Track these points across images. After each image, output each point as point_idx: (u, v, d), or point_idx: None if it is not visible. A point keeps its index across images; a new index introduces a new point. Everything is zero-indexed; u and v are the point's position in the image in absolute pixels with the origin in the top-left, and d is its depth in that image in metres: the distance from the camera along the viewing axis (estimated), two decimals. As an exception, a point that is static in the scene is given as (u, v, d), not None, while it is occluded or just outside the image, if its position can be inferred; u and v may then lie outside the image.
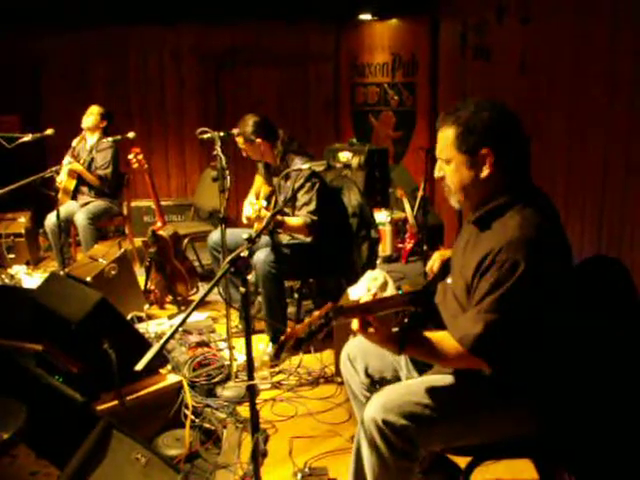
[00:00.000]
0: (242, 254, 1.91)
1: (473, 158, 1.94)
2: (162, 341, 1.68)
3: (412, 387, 2.04)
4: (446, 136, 1.97)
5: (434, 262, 2.39)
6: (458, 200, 2.04)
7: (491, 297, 1.83)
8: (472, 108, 1.94)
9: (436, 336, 1.94)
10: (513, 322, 1.83)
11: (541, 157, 4.40)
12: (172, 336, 1.73)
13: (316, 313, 1.82)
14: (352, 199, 4.11)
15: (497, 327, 1.82)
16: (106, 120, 5.49)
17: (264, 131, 3.96)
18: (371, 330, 1.84)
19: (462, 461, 2.15)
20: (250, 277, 4.44)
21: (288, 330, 1.83)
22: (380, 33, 6.99)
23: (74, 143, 5.53)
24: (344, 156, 6.21)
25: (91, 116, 5.42)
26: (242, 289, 1.93)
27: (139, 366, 1.62)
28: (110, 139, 4.79)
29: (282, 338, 1.81)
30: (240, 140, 3.97)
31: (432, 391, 1.98)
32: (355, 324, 1.85)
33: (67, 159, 5.39)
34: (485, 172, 1.93)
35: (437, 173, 2.05)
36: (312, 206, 3.84)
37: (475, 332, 1.83)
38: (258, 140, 3.94)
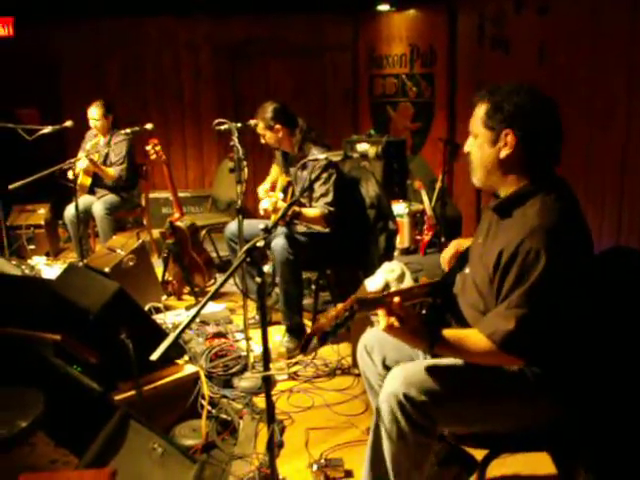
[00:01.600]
0: (258, 244, 1.90)
1: (496, 137, 1.93)
2: (177, 331, 1.67)
3: (435, 366, 2.03)
4: (478, 111, 1.99)
5: (449, 250, 2.37)
6: (479, 177, 2.03)
7: (519, 291, 1.82)
8: (509, 88, 1.94)
9: (463, 332, 1.94)
10: (543, 314, 1.82)
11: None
12: (187, 326, 1.72)
13: (340, 306, 1.83)
14: (370, 190, 4.09)
15: (528, 321, 1.81)
16: (109, 111, 5.48)
17: (283, 117, 3.96)
18: (397, 323, 1.83)
19: (478, 454, 2.13)
20: (267, 268, 4.45)
21: (319, 321, 1.83)
22: (398, 24, 6.95)
23: (88, 143, 5.51)
24: (362, 148, 6.20)
25: (94, 109, 5.40)
26: (258, 279, 1.92)
27: (154, 356, 1.62)
28: (129, 130, 4.81)
29: (308, 332, 1.81)
30: (260, 125, 3.97)
31: (455, 372, 1.99)
32: (382, 320, 1.84)
33: (81, 154, 5.40)
34: (504, 152, 1.93)
35: (466, 147, 2.06)
36: (329, 197, 3.83)
37: (507, 329, 1.82)
38: (277, 126, 3.94)
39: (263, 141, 4.07)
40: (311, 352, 3.71)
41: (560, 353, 1.89)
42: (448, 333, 1.90)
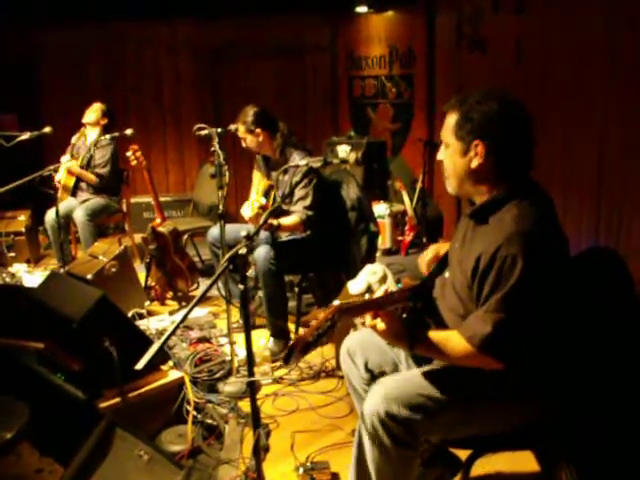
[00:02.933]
0: (240, 252, 1.92)
1: (467, 147, 1.95)
2: (161, 340, 1.68)
3: (412, 378, 2.06)
4: (449, 121, 1.99)
5: (427, 254, 2.39)
6: (453, 186, 2.05)
7: (496, 296, 1.85)
8: (478, 97, 1.94)
9: (444, 334, 1.97)
10: (520, 318, 1.85)
11: (538, 146, 4.40)
12: (171, 335, 1.73)
13: (322, 315, 1.84)
14: (351, 193, 4.11)
15: (505, 325, 1.84)
16: (107, 117, 5.49)
17: (264, 121, 3.97)
18: (381, 326, 1.87)
19: (463, 453, 2.16)
20: (250, 272, 4.45)
21: (299, 333, 1.86)
22: (376, 25, 6.99)
23: (73, 140, 5.53)
24: (343, 150, 6.22)
25: (93, 113, 5.42)
26: (241, 286, 1.94)
27: (139, 365, 1.63)
28: (108, 136, 4.80)
29: (290, 344, 1.82)
30: (241, 129, 3.97)
31: (433, 382, 2.01)
32: (369, 320, 1.89)
33: (65, 157, 5.39)
34: (475, 162, 1.94)
35: (439, 155, 2.07)
36: (308, 201, 3.85)
37: (485, 332, 1.85)
38: (258, 130, 3.95)
39: (244, 145, 4.07)
40: (294, 363, 3.72)
41: (538, 355, 1.92)
42: (429, 335, 1.93)
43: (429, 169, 6.06)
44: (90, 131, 5.49)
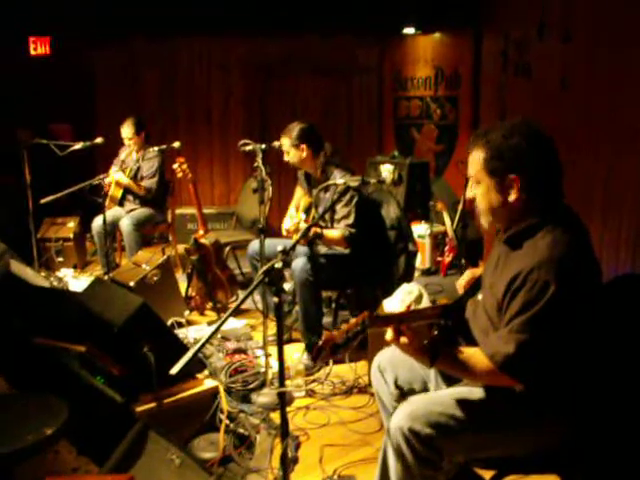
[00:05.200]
0: (276, 265, 1.98)
1: (502, 183, 1.97)
2: (197, 347, 1.75)
3: (439, 398, 2.09)
4: (476, 158, 2.02)
5: (465, 277, 2.43)
6: (488, 221, 2.08)
7: (522, 317, 1.87)
8: (502, 132, 1.96)
9: (468, 352, 1.98)
10: (544, 342, 1.86)
11: (580, 174, 4.39)
12: (206, 342, 1.80)
13: (353, 320, 1.89)
14: (391, 212, 4.16)
15: (528, 347, 1.85)
16: (143, 130, 5.64)
17: (310, 138, 4.04)
18: (404, 340, 1.90)
19: (487, 474, 2.17)
20: (288, 286, 4.52)
21: (325, 335, 1.89)
22: (423, 47, 7.04)
23: (122, 156, 5.68)
24: (386, 169, 6.27)
25: (126, 127, 5.56)
26: (275, 299, 2.00)
27: (174, 370, 1.70)
28: (156, 148, 4.93)
29: (320, 343, 1.87)
30: (286, 143, 4.05)
31: (459, 402, 2.03)
32: (389, 334, 1.91)
33: (114, 168, 5.56)
34: (513, 197, 1.97)
35: (469, 193, 2.09)
36: (350, 219, 3.91)
37: (506, 351, 1.87)
38: (302, 146, 4.02)
39: (286, 158, 4.14)
40: (323, 362, 3.76)
41: (562, 379, 1.93)
42: (452, 351, 1.95)
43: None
44: (133, 146, 5.64)
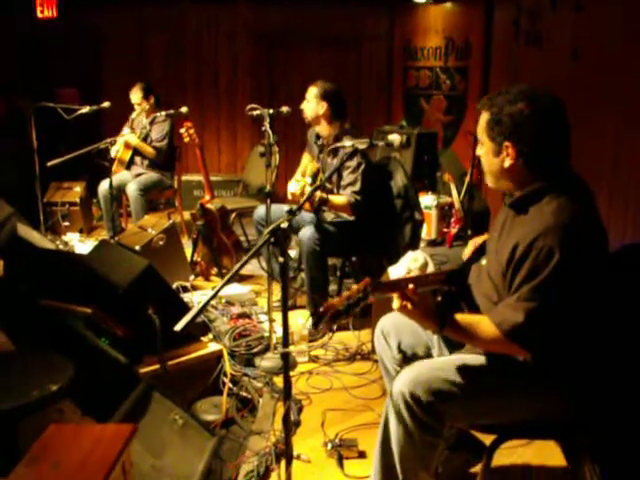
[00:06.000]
0: (282, 225, 1.97)
1: (498, 148, 1.98)
2: (202, 304, 1.76)
3: (442, 364, 2.09)
4: (482, 120, 2.02)
5: (468, 247, 2.43)
6: (491, 181, 2.10)
7: (529, 285, 1.86)
8: (509, 97, 1.95)
9: (475, 318, 1.98)
10: (551, 309, 1.85)
11: (589, 144, 4.35)
12: (213, 298, 1.80)
13: (354, 287, 1.88)
14: (398, 180, 4.13)
15: (537, 315, 1.85)
16: (151, 93, 5.61)
17: (334, 100, 4.03)
18: (410, 306, 1.90)
19: (487, 439, 2.19)
20: (293, 253, 4.52)
21: (327, 302, 1.89)
22: (434, 16, 6.95)
23: (133, 115, 5.68)
24: (392, 138, 6.22)
25: (135, 93, 5.56)
26: (281, 259, 2.00)
27: (178, 326, 1.71)
28: (164, 113, 4.91)
29: (321, 309, 1.86)
30: (311, 92, 4.05)
31: (461, 369, 2.03)
32: (396, 301, 1.91)
33: (126, 129, 5.56)
34: (507, 163, 1.97)
35: (477, 151, 2.11)
36: (356, 186, 3.89)
37: (515, 320, 1.87)
38: (324, 102, 4.01)
39: (303, 106, 4.11)
40: (325, 329, 3.76)
41: (568, 347, 1.93)
42: (459, 317, 1.95)
43: (478, 163, 6.00)
44: (140, 110, 5.61)
